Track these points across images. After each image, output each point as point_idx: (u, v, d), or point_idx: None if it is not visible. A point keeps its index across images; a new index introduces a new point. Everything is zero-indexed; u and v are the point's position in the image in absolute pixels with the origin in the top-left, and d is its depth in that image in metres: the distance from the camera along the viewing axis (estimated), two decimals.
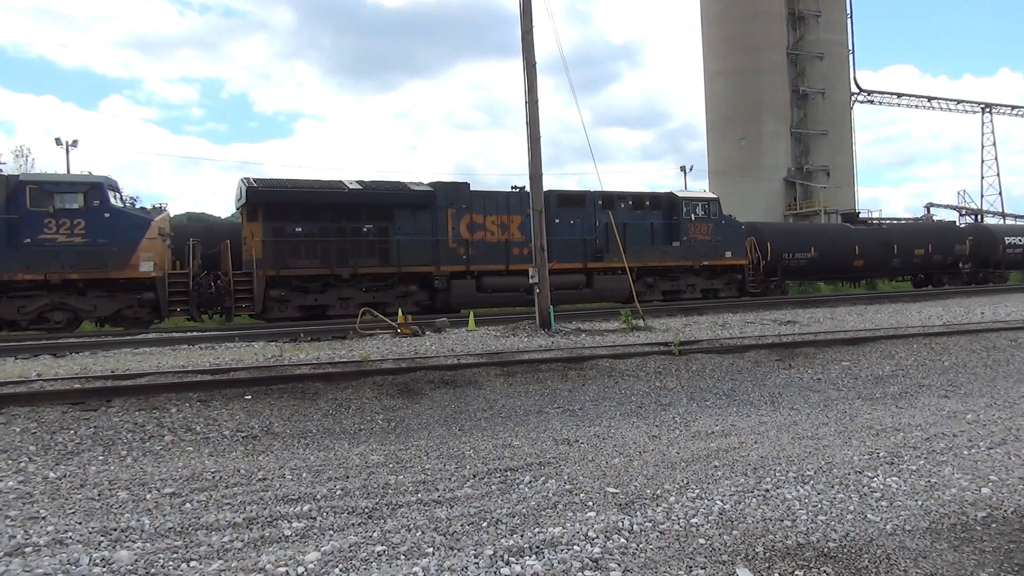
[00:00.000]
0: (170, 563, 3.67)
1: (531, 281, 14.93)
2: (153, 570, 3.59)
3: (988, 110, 70.67)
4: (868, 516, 4.22)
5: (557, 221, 21.44)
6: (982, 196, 70.49)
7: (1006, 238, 34.28)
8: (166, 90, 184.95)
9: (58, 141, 35.39)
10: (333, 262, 19.12)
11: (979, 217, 56.88)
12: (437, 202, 20.48)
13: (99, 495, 4.90)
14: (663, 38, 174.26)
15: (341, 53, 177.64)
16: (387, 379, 8.62)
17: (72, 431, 6.63)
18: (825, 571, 3.53)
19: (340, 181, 20.15)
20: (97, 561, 3.66)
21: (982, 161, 71.91)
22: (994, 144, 71.27)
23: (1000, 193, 70.97)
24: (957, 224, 39.11)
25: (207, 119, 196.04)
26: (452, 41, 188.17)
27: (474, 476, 5.21)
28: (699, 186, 56.99)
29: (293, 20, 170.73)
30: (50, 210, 16.24)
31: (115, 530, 4.14)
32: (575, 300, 22.13)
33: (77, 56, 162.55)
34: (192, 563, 3.67)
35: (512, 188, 22.17)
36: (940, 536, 3.97)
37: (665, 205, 23.84)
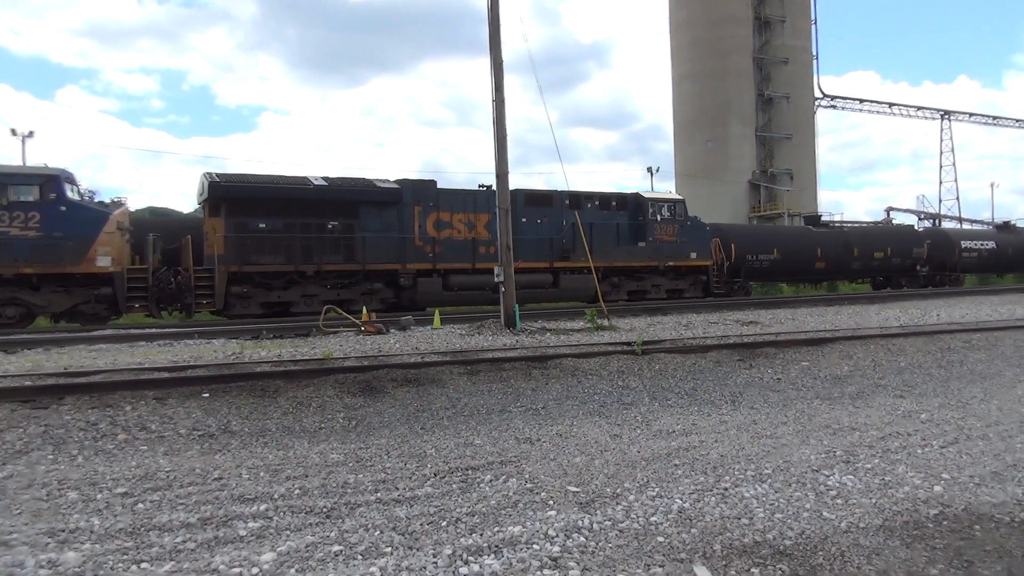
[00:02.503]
0: (119, 565, 3.58)
1: (497, 280, 14.91)
2: (102, 572, 3.50)
3: (947, 117, 72.44)
4: (824, 514, 4.27)
5: (524, 220, 21.48)
6: (940, 201, 72.26)
7: (962, 242, 35.14)
8: (125, 81, 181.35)
9: (13, 132, 34.56)
10: (297, 259, 18.91)
11: (937, 221, 58.33)
12: (403, 200, 20.37)
13: (47, 495, 4.76)
14: (631, 39, 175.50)
15: (306, 46, 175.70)
16: (349, 377, 8.53)
17: (21, 429, 6.45)
18: (781, 568, 3.56)
19: (305, 177, 19.94)
20: (43, 563, 3.56)
21: (940, 167, 73.72)
22: (952, 150, 73.13)
23: (957, 198, 72.89)
24: (916, 228, 40.01)
25: (168, 111, 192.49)
26: (419, 37, 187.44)
27: (435, 475, 5.18)
28: (665, 187, 57.57)
29: (256, 11, 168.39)
30: (3, 203, 15.84)
31: (63, 531, 4.02)
32: (541, 299, 22.18)
33: (31, 44, 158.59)
34: (143, 564, 3.58)
35: (479, 187, 22.16)
36: (893, 533, 4.03)
37: (631, 206, 24.01)
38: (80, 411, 7.00)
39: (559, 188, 22.96)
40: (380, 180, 20.85)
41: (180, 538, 3.92)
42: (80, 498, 4.69)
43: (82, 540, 3.91)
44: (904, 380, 9.52)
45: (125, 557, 3.66)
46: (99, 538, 3.94)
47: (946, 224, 57.82)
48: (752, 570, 3.54)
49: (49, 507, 4.52)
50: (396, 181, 20.97)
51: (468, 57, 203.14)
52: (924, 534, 4.04)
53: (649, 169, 50.50)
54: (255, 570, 3.49)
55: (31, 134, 35.12)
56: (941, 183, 73.82)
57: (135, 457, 5.97)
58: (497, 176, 15.03)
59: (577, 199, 22.89)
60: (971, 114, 74.11)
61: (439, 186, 21.34)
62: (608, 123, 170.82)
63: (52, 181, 16.45)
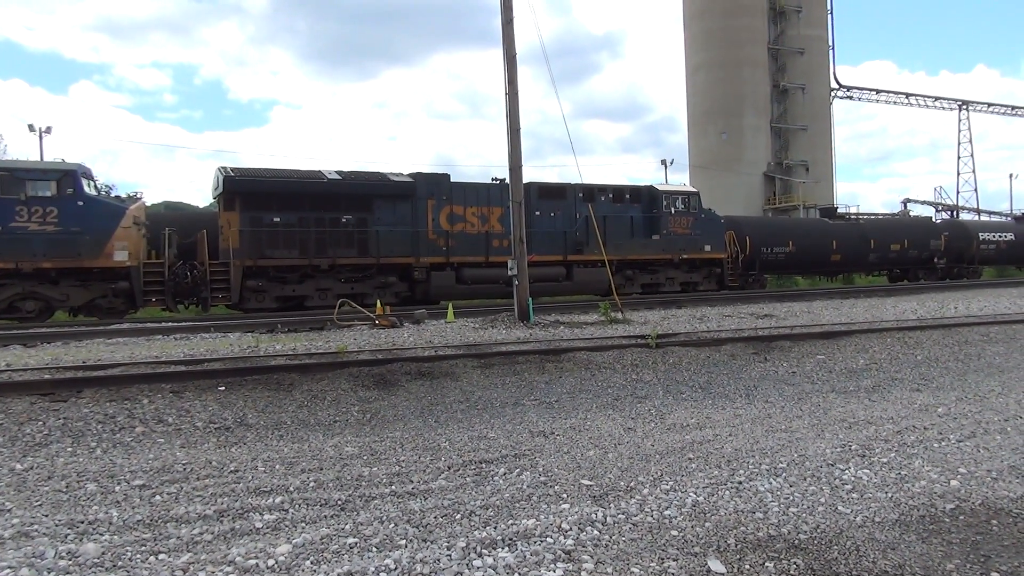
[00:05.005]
0: (138, 556, 3.62)
1: (510, 273, 14.91)
2: (120, 563, 3.54)
3: (965, 107, 71.50)
4: (839, 508, 4.25)
5: (537, 213, 21.43)
6: (958, 192, 71.43)
7: (980, 234, 34.73)
8: (137, 76, 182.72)
9: (31, 127, 34.83)
10: (311, 253, 18.97)
11: (955, 213, 57.63)
12: (417, 193, 20.38)
13: (67, 487, 4.82)
14: (643, 29, 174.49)
15: (317, 39, 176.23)
16: (363, 370, 8.57)
17: (40, 422, 6.53)
18: (795, 563, 3.55)
19: (319, 171, 19.99)
20: (63, 554, 3.60)
21: (958, 157, 72.84)
22: (970, 141, 72.22)
23: (976, 189, 72.03)
24: (933, 220, 39.59)
25: (181, 106, 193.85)
26: (429, 29, 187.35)
27: (449, 468, 5.19)
28: (679, 179, 57.23)
29: (267, 4, 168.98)
30: (22, 197, 15.95)
31: (82, 522, 4.07)
32: (554, 293, 22.14)
33: (44, 39, 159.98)
34: (160, 556, 3.62)
35: (493, 180, 22.12)
36: (909, 528, 4.01)
37: (645, 198, 23.90)
38: (98, 404, 7.08)
39: (572, 181, 22.87)
40: (393, 174, 20.88)
41: (197, 530, 3.95)
42: (99, 490, 4.75)
43: (101, 531, 3.96)
44: (921, 374, 9.45)
45: (143, 548, 3.70)
46: (118, 529, 3.99)
47: (964, 216, 57.17)
48: (766, 564, 3.53)
49: (68, 499, 4.57)
50: (409, 174, 20.98)
51: (479, 49, 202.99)
52: (940, 529, 4.01)
53: (663, 161, 50.28)
54: (271, 562, 3.51)
55: (48, 130, 35.34)
56: (959, 174, 72.98)
57: (152, 449, 6.03)
58: (510, 169, 15.01)
59: (590, 192, 22.79)
60: (989, 104, 73.06)
61: (452, 179, 21.34)
62: (621, 115, 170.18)
63: (69, 176, 16.58)
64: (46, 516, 4.20)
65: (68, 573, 3.40)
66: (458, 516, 4.16)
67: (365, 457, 5.58)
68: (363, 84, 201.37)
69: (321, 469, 5.22)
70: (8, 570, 3.40)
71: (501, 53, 14.82)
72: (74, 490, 4.76)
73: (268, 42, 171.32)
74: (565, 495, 4.52)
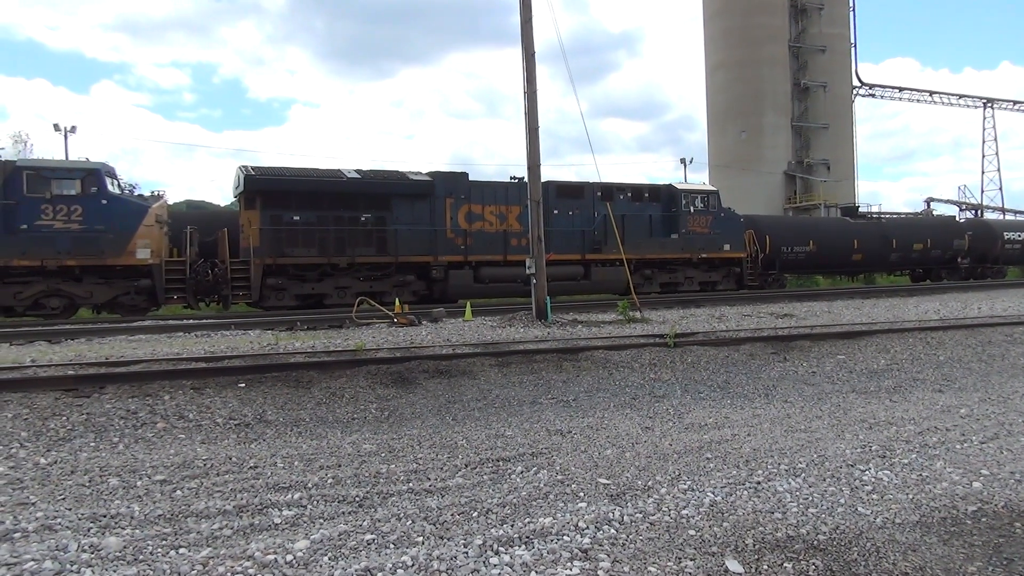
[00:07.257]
0: (159, 550, 3.66)
1: (528, 272, 14.91)
2: (141, 556, 3.58)
3: (989, 105, 70.51)
4: (859, 509, 4.22)
5: (555, 212, 21.42)
6: (982, 191, 70.51)
7: (1005, 233, 34.26)
8: (157, 75, 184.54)
9: (56, 127, 35.30)
10: (331, 251, 19.10)
11: (979, 212, 56.91)
12: (436, 192, 20.45)
13: (89, 481, 4.89)
14: (661, 28, 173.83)
15: (334, 38, 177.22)
16: (382, 368, 8.60)
17: (64, 417, 6.62)
18: (814, 563, 3.53)
19: (338, 170, 20.11)
20: (85, 547, 3.65)
21: (983, 156, 71.88)
22: (995, 139, 71.24)
23: (1000, 188, 71.05)
24: (956, 219, 39.10)
25: (200, 105, 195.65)
26: (445, 28, 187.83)
27: (466, 466, 5.20)
28: (699, 178, 56.90)
29: (284, 3, 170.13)
30: (47, 196, 16.20)
31: (104, 516, 4.13)
32: (572, 292, 22.12)
33: (67, 39, 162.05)
34: (181, 550, 3.66)
35: (511, 179, 22.15)
36: (930, 530, 3.97)
37: (664, 197, 23.81)
38: (120, 400, 7.16)
39: (590, 180, 22.82)
40: (412, 172, 20.97)
41: (217, 525, 3.99)
42: (121, 484, 4.81)
43: (123, 525, 4.01)
44: (943, 374, 9.34)
45: (164, 543, 3.74)
46: (139, 524, 4.03)
47: (988, 215, 56.43)
48: (785, 564, 3.51)
49: (91, 493, 4.64)
50: (428, 173, 21.06)
51: (494, 47, 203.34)
52: (962, 531, 3.97)
53: (682, 160, 49.92)
54: (289, 557, 3.54)
55: (74, 129, 35.77)
56: (983, 173, 72.02)
57: (173, 445, 6.10)
58: (528, 168, 15.02)
59: (609, 191, 22.75)
60: (1015, 102, 71.98)
61: (470, 178, 21.38)
62: (638, 113, 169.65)
63: (93, 175, 16.82)
64: (69, 510, 4.26)
65: (90, 566, 3.45)
66: (475, 514, 4.17)
67: (383, 454, 5.60)
68: (380, 83, 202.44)
69: (339, 466, 5.25)
70: (32, 562, 3.45)
71: (516, 52, 14.84)
72: (96, 484, 4.82)
73: (286, 41, 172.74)
74: (582, 494, 4.51)
